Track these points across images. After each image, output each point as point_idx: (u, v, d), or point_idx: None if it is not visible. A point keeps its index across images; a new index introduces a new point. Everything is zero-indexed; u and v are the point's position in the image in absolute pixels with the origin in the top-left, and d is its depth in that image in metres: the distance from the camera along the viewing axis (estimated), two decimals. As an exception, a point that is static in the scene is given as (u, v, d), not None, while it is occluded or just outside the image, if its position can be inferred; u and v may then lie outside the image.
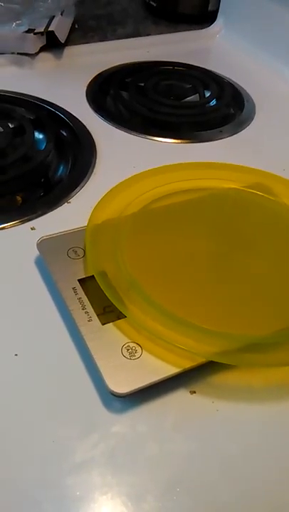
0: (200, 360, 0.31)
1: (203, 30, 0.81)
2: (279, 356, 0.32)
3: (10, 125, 0.53)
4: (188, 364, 0.31)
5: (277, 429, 0.30)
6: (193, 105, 0.63)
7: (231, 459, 0.29)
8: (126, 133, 0.55)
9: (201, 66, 0.70)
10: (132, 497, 0.27)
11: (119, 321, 0.33)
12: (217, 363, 0.31)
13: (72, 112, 0.57)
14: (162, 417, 0.30)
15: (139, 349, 0.31)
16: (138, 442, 0.29)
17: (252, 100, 0.64)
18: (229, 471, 0.28)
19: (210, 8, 0.83)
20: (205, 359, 0.31)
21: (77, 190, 0.46)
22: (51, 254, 0.37)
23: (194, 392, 0.31)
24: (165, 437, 0.29)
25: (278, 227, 0.42)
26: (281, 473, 0.28)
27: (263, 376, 0.33)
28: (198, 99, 0.64)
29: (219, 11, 0.81)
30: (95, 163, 0.50)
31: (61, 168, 0.51)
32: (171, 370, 0.30)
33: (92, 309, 0.33)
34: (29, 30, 0.64)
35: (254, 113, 0.62)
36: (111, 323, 0.32)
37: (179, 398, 0.31)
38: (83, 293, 0.34)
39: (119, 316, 0.33)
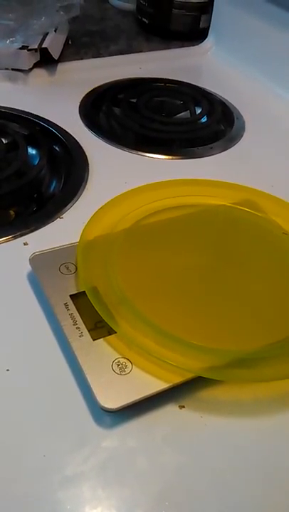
0: (189, 375, 0.31)
1: (195, 47, 0.82)
2: (267, 371, 0.32)
3: (3, 140, 0.54)
4: (177, 379, 0.31)
5: (265, 443, 0.31)
6: (185, 122, 0.65)
7: (220, 474, 0.29)
8: (118, 149, 0.56)
9: (192, 83, 0.71)
10: (121, 511, 0.27)
11: (110, 336, 0.33)
12: (206, 378, 0.31)
13: (65, 128, 0.57)
14: (152, 431, 0.31)
15: (129, 364, 0.32)
16: (128, 456, 0.29)
17: (242, 117, 0.66)
18: (218, 486, 0.29)
19: (201, 25, 0.85)
20: (194, 374, 0.31)
21: (69, 205, 0.46)
22: (43, 270, 0.38)
23: (183, 406, 0.32)
24: (155, 451, 0.30)
25: (266, 243, 0.43)
26: (270, 487, 0.29)
27: (251, 391, 0.33)
28: (189, 116, 0.65)
29: (210, 28, 0.82)
30: (87, 179, 0.50)
31: (54, 183, 0.51)
32: (160, 386, 0.31)
33: (83, 325, 0.34)
34: (23, 47, 0.65)
35: (244, 130, 0.63)
36: (102, 339, 0.33)
37: (169, 413, 0.31)
38: (75, 308, 0.35)
39: (110, 331, 0.33)
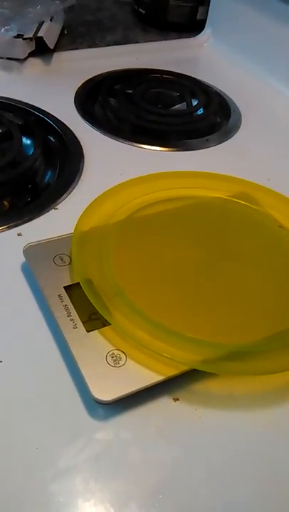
0: (183, 368, 0.31)
1: (192, 38, 0.82)
2: (261, 365, 0.32)
3: (-2, 130, 0.53)
4: (172, 372, 0.31)
5: (259, 436, 0.31)
6: (181, 113, 0.64)
7: (214, 466, 0.29)
8: (114, 140, 0.56)
9: (188, 75, 0.71)
10: (114, 504, 0.27)
11: (104, 328, 0.33)
12: (200, 370, 0.31)
13: (60, 118, 0.57)
14: (146, 424, 0.30)
15: (123, 357, 0.31)
16: (122, 449, 0.29)
17: (238, 110, 0.65)
18: (212, 478, 0.29)
19: (198, 17, 0.84)
20: (188, 367, 0.31)
21: (64, 196, 0.46)
22: (37, 261, 0.37)
23: (178, 399, 0.32)
24: (148, 444, 0.29)
25: (262, 236, 0.43)
26: (264, 480, 0.29)
27: (246, 384, 0.33)
28: (185, 108, 0.65)
29: (207, 20, 0.82)
30: (82, 170, 0.50)
31: (49, 174, 0.51)
32: (155, 378, 0.31)
33: (77, 316, 0.33)
34: (18, 36, 0.64)
35: (240, 122, 0.63)
36: (96, 331, 0.33)
37: (163, 405, 0.31)
38: (69, 300, 0.34)
39: (104, 323, 0.33)
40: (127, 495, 0.27)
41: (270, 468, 0.29)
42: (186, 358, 0.31)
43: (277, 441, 0.31)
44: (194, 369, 0.31)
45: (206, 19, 0.82)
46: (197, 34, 0.82)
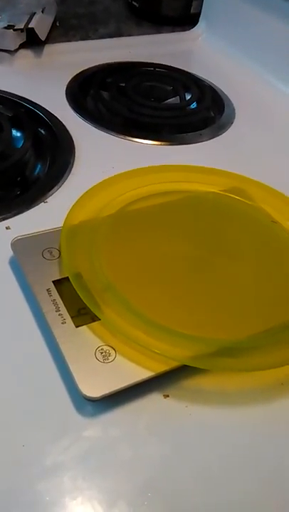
0: (174, 364, 0.31)
1: (185, 32, 0.81)
2: (252, 361, 0.32)
3: (-13, 122, 0.52)
4: (162, 368, 0.30)
5: (250, 434, 0.30)
6: (174, 107, 0.63)
7: (204, 464, 0.29)
8: (105, 133, 0.55)
9: (182, 68, 0.70)
10: (102, 502, 0.26)
11: (93, 323, 0.32)
12: (191, 366, 0.31)
13: (51, 111, 0.56)
14: (135, 421, 0.30)
15: (113, 352, 0.31)
16: (110, 446, 0.29)
17: (232, 104, 0.65)
18: (202, 476, 0.28)
19: (192, 10, 0.83)
20: (179, 363, 0.31)
21: (54, 189, 0.45)
22: (26, 255, 0.36)
23: (168, 396, 0.31)
24: (138, 441, 0.29)
25: (255, 232, 0.42)
26: (254, 477, 0.28)
27: (237, 381, 0.33)
28: (178, 102, 0.64)
29: (201, 14, 0.81)
30: (73, 163, 0.49)
31: (38, 167, 0.50)
32: (144, 374, 0.30)
33: (66, 311, 0.33)
34: (9, 27, 0.63)
35: (234, 117, 0.62)
36: (85, 326, 0.32)
37: (153, 402, 0.31)
38: (58, 295, 0.34)
39: (93, 318, 0.32)
40: (116, 493, 0.27)
41: (261, 466, 0.29)
42: (176, 354, 0.31)
43: (268, 438, 0.30)
44: (185, 365, 0.31)
45: (200, 13, 0.81)
46: (191, 28, 0.81)
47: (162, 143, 0.55)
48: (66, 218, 0.38)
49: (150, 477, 0.28)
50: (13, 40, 0.64)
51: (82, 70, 0.67)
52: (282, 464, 0.29)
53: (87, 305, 0.32)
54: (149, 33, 0.81)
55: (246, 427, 0.31)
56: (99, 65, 0.68)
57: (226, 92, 0.67)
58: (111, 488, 0.27)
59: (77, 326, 0.32)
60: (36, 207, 0.43)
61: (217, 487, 0.28)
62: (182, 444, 0.29)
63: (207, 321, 0.34)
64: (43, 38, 0.67)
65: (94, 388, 0.29)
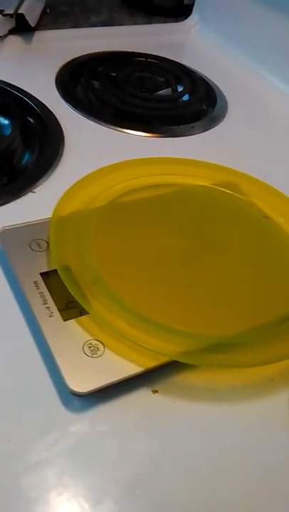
0: (163, 359, 0.30)
1: (178, 23, 0.80)
2: (242, 357, 0.31)
3: (-26, 109, 0.51)
4: (151, 363, 0.30)
5: (239, 430, 0.30)
6: (166, 99, 0.63)
7: (192, 460, 0.28)
8: (96, 123, 0.54)
9: (174, 60, 0.69)
10: (88, 499, 0.26)
11: (81, 317, 0.32)
12: (181, 362, 0.30)
13: (40, 99, 0.55)
14: (123, 416, 0.29)
15: (101, 347, 0.30)
16: (97, 442, 0.28)
17: (224, 97, 0.64)
18: (190, 473, 0.28)
19: (185, 1, 0.82)
20: (168, 358, 0.30)
21: (43, 179, 0.44)
22: (13, 246, 0.36)
23: (157, 391, 0.31)
24: (125, 437, 0.28)
25: (246, 226, 0.42)
26: (242, 474, 0.28)
27: (226, 377, 0.32)
28: (170, 93, 0.63)
29: (195, 5, 0.80)
30: (62, 153, 0.48)
31: (27, 156, 0.49)
32: (133, 370, 0.29)
33: (53, 305, 0.32)
34: (-2, 11, 0.62)
35: (226, 110, 0.62)
36: (73, 320, 0.31)
37: (141, 397, 0.30)
38: (45, 287, 0.33)
39: (82, 312, 0.32)
40: (102, 490, 0.26)
41: (251, 462, 0.29)
42: (166, 349, 0.30)
43: (257, 435, 0.30)
44: (174, 360, 0.30)
45: (193, 4, 0.80)
46: (184, 19, 0.80)
47: (153, 135, 0.54)
48: (55, 209, 0.38)
49: (138, 474, 0.27)
50: (1, 26, 0.62)
51: (72, 58, 0.65)
52: (272, 460, 0.29)
53: (76, 298, 0.32)
54: (141, 23, 0.79)
55: (235, 424, 0.30)
56: (90, 53, 0.67)
57: (218, 85, 0.67)
58: (97, 484, 0.26)
59: (65, 320, 0.31)
60: (24, 197, 0.42)
61: (205, 484, 0.27)
62: (170, 440, 0.29)
63: (197, 317, 0.33)
64: (33, 25, 0.66)
65: (81, 383, 0.28)
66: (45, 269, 0.34)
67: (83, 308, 0.31)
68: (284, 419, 0.31)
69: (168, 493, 0.27)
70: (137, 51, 0.70)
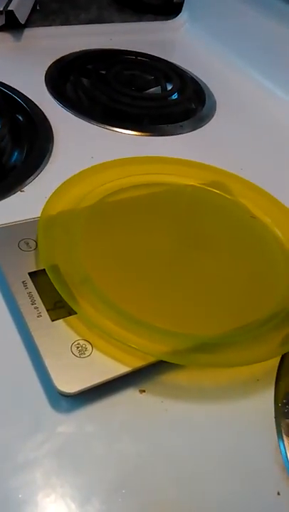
0: (151, 359, 0.30)
1: (168, 21, 0.80)
2: (229, 357, 0.32)
3: None
4: (138, 363, 0.30)
5: (226, 429, 0.30)
6: (155, 97, 0.63)
7: (180, 460, 0.28)
8: (85, 121, 0.54)
9: (164, 58, 0.69)
10: (76, 499, 0.26)
11: (70, 317, 0.32)
12: (168, 361, 0.30)
13: (29, 97, 0.55)
14: (110, 416, 0.29)
15: (89, 347, 0.30)
16: (85, 442, 0.28)
17: (213, 96, 0.64)
18: (177, 472, 0.28)
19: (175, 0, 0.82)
20: (156, 358, 0.30)
21: (31, 178, 0.44)
22: (1, 246, 0.35)
23: (144, 391, 0.31)
24: (113, 437, 0.29)
25: (234, 226, 0.42)
26: (230, 472, 0.28)
27: (213, 376, 0.32)
28: (160, 92, 0.63)
29: (184, 3, 0.80)
30: (51, 152, 0.48)
31: (15, 154, 0.49)
32: (121, 370, 0.30)
33: (42, 304, 0.32)
34: (-13, 8, 0.61)
35: (215, 110, 0.62)
36: (61, 320, 0.31)
37: (128, 397, 0.30)
38: (33, 287, 0.33)
39: (70, 312, 0.32)
40: (90, 490, 0.26)
41: (238, 461, 0.29)
42: (153, 349, 0.30)
43: (244, 434, 0.30)
44: (162, 360, 0.30)
45: (183, 2, 0.80)
46: (174, 17, 0.80)
47: (142, 133, 0.54)
48: (44, 208, 0.37)
49: (125, 474, 0.27)
50: (-9, 22, 0.62)
51: (62, 55, 0.65)
52: (259, 459, 0.29)
53: (64, 298, 0.32)
54: (131, 21, 0.79)
55: (222, 423, 0.30)
56: (79, 51, 0.67)
57: (207, 84, 0.67)
58: (85, 484, 0.27)
59: (53, 320, 0.31)
60: (13, 196, 0.42)
61: (192, 483, 0.28)
62: (157, 440, 0.29)
63: (184, 316, 0.34)
64: (22, 21, 0.65)
65: (69, 383, 0.28)
66: (34, 269, 0.34)
67: (71, 309, 0.31)
68: (270, 417, 0.31)
69: (155, 492, 0.27)
70: (127, 49, 0.70)
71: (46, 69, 0.62)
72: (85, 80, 0.61)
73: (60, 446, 0.28)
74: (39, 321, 0.31)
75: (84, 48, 0.68)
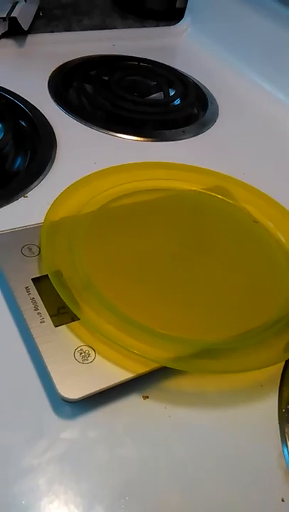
0: (154, 365, 0.30)
1: (170, 27, 0.80)
2: (231, 363, 0.32)
3: None
4: (141, 369, 0.30)
5: (229, 436, 0.30)
6: (157, 103, 0.63)
7: (183, 465, 0.28)
8: (88, 127, 0.54)
9: (166, 64, 0.69)
10: (79, 505, 0.26)
11: (73, 323, 0.32)
12: (171, 368, 0.30)
13: (32, 103, 0.55)
14: (114, 422, 0.29)
15: (92, 353, 0.30)
16: (88, 448, 0.28)
17: (216, 102, 0.64)
18: (180, 478, 0.28)
19: (178, 5, 0.82)
20: (159, 364, 0.30)
21: (35, 184, 0.44)
22: (4, 251, 0.36)
23: (147, 397, 0.31)
24: (116, 443, 0.29)
25: (237, 231, 0.42)
26: (232, 478, 0.28)
27: (217, 382, 0.32)
28: (162, 97, 0.63)
29: (186, 8, 0.80)
30: (54, 157, 0.48)
31: (19, 160, 0.49)
32: (124, 376, 0.30)
33: (45, 310, 0.32)
34: (-10, 15, 0.62)
35: (217, 115, 0.62)
36: (64, 326, 0.31)
37: (132, 403, 0.30)
38: (37, 293, 0.33)
39: (73, 318, 0.32)
40: (93, 496, 0.26)
41: (241, 467, 0.29)
42: (156, 355, 0.30)
43: (247, 439, 0.30)
44: (165, 366, 0.30)
45: (185, 8, 0.81)
46: (176, 23, 0.80)
47: (145, 139, 0.54)
48: (47, 214, 0.38)
49: (128, 480, 0.27)
50: (-6, 29, 0.63)
51: (65, 61, 0.65)
52: (262, 465, 0.29)
53: (67, 304, 0.32)
54: (133, 27, 0.80)
55: (225, 429, 0.30)
56: (82, 57, 0.67)
57: (209, 89, 0.67)
58: (88, 491, 0.27)
59: (56, 326, 0.31)
60: (16, 201, 0.42)
61: (196, 490, 0.28)
62: (161, 445, 0.29)
63: (187, 322, 0.34)
64: (25, 28, 0.66)
65: (72, 389, 0.28)
66: (37, 275, 0.34)
67: (74, 314, 0.32)
68: (273, 423, 0.31)
69: (158, 498, 0.27)
70: (129, 55, 0.70)
71: (49, 75, 0.62)
72: (87, 86, 0.61)
73: (64, 452, 0.28)
74: (42, 326, 0.31)
75: (87, 54, 0.68)
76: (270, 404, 0.32)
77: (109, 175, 0.44)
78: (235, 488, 0.28)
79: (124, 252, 0.38)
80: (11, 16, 0.63)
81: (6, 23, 0.64)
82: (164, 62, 0.70)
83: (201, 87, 0.67)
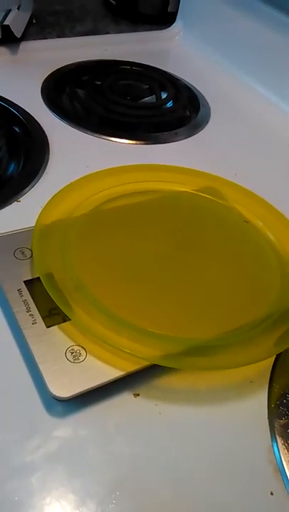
0: (144, 363, 0.31)
1: (163, 31, 0.81)
2: (222, 359, 0.32)
3: None
4: (132, 367, 0.31)
5: (219, 431, 0.31)
6: (150, 106, 0.63)
7: (173, 463, 0.29)
8: (80, 132, 0.55)
9: (158, 67, 0.70)
10: (71, 502, 0.26)
11: (64, 323, 0.32)
12: (161, 365, 0.31)
13: (25, 109, 0.56)
14: (105, 420, 0.30)
15: (83, 352, 0.31)
16: (80, 446, 0.29)
17: (207, 104, 0.65)
18: (171, 474, 0.28)
19: (169, 9, 0.83)
20: (149, 362, 0.31)
21: (28, 188, 0.45)
22: (-3, 255, 0.36)
23: (138, 394, 0.31)
24: (107, 441, 0.29)
25: (227, 231, 0.43)
26: (224, 475, 0.29)
27: (207, 379, 0.33)
28: (154, 101, 0.64)
29: (178, 12, 0.81)
30: (47, 162, 0.49)
31: (12, 165, 0.50)
32: (114, 374, 0.30)
33: (37, 312, 0.33)
34: (-17, 23, 0.62)
35: (209, 117, 0.62)
36: (56, 326, 0.32)
37: (123, 401, 0.31)
38: (29, 295, 0.34)
39: (64, 318, 0.32)
40: (85, 493, 0.27)
41: (231, 462, 0.29)
42: (147, 353, 0.31)
43: (237, 435, 0.31)
44: (155, 364, 0.31)
45: (177, 12, 0.81)
46: (168, 26, 0.81)
47: (138, 142, 0.55)
48: (38, 218, 0.38)
49: (119, 476, 0.28)
50: (-13, 37, 0.63)
51: (58, 67, 0.66)
52: (252, 460, 0.30)
53: (58, 305, 0.32)
54: (125, 31, 0.80)
55: (216, 425, 0.31)
56: (75, 62, 0.68)
57: (201, 92, 0.68)
58: (80, 487, 0.27)
59: (48, 327, 0.32)
60: (9, 206, 0.43)
61: (186, 486, 0.28)
62: (151, 443, 0.29)
63: (178, 320, 0.34)
64: (18, 35, 0.67)
65: (64, 388, 0.29)
66: (29, 277, 0.35)
67: (66, 315, 0.32)
68: (263, 418, 0.31)
69: (149, 494, 0.27)
70: (122, 59, 0.71)
71: (42, 81, 0.63)
72: (80, 91, 0.62)
73: (56, 450, 0.28)
74: (34, 327, 0.32)
75: (79, 60, 0.69)
76: (260, 399, 0.32)
77: (101, 177, 0.45)
78: (225, 482, 0.28)
79: (115, 253, 0.38)
80: (4, 23, 0.64)
81: (-1, 30, 0.64)
82: (156, 66, 0.70)
83: (193, 89, 0.68)
